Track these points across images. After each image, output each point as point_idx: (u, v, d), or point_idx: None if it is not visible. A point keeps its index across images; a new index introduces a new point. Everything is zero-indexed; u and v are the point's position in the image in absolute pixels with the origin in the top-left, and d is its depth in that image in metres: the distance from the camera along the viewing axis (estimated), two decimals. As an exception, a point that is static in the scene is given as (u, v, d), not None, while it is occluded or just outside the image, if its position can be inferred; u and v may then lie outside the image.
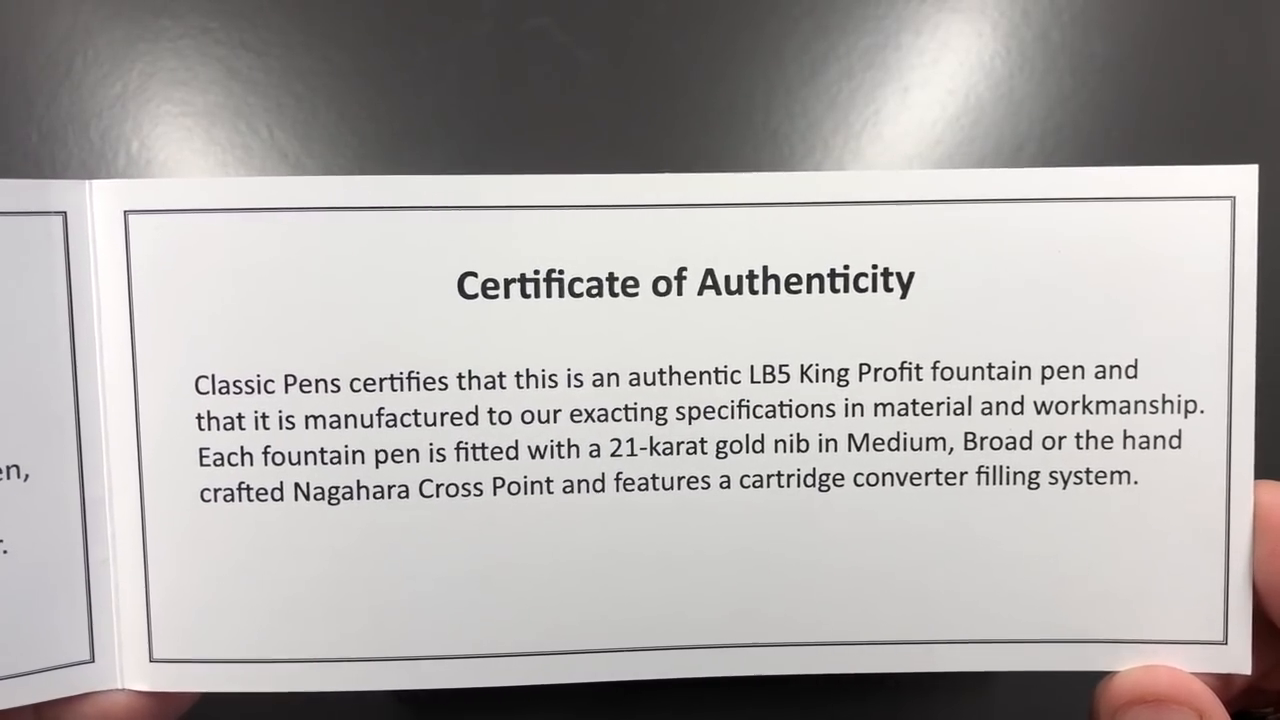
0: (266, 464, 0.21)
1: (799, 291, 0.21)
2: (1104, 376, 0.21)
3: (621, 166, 0.33)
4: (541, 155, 0.32)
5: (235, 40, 0.31)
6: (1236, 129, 0.32)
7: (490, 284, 0.20)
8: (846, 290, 0.21)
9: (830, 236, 0.20)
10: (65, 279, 0.20)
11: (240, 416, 0.20)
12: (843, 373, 0.21)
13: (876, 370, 0.21)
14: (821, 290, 0.21)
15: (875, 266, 0.20)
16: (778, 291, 0.21)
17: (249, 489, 0.21)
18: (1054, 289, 0.21)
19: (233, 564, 0.21)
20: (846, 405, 0.21)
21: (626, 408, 0.21)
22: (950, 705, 0.33)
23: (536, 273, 0.20)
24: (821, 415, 0.21)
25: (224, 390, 0.20)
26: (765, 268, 0.20)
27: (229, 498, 0.21)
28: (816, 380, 0.21)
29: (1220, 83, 0.32)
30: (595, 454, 0.21)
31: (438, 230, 0.20)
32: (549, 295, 0.20)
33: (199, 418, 0.20)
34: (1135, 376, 0.21)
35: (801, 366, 0.21)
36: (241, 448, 0.20)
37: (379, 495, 0.21)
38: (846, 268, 0.20)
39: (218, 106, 0.31)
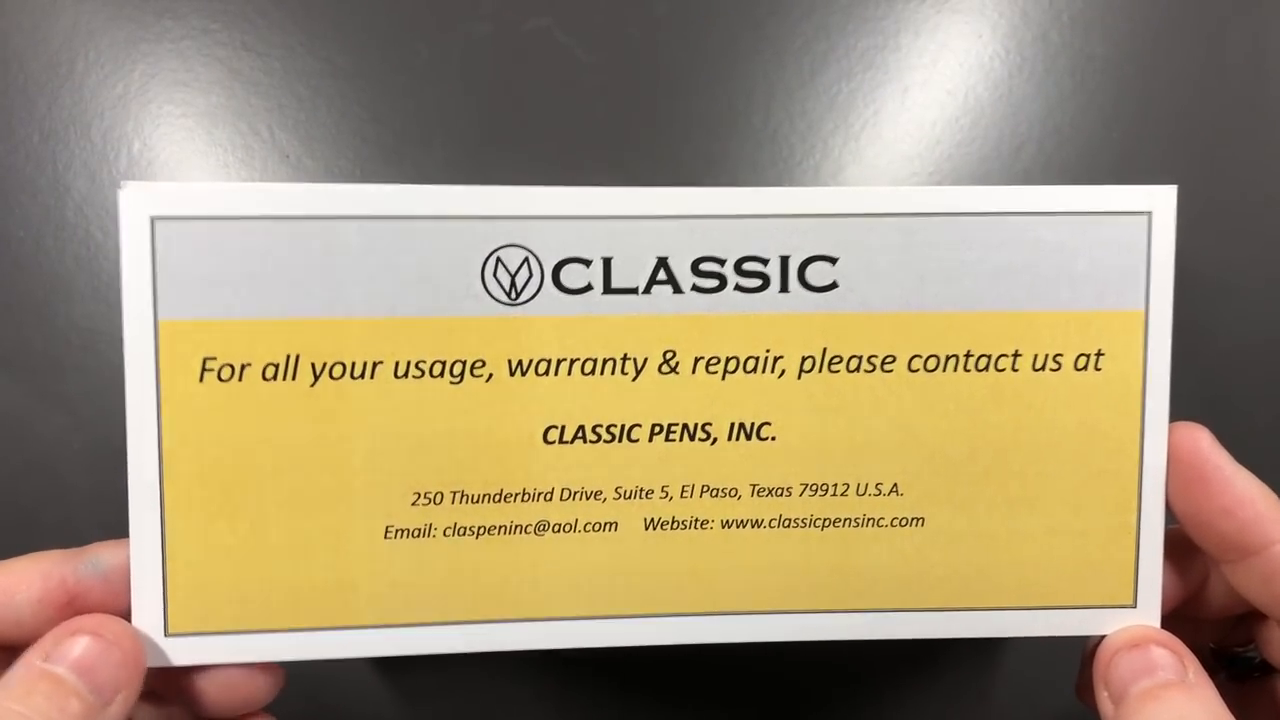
0: None
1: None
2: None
3: (623, 167, 0.33)
4: (542, 156, 0.32)
5: (237, 41, 0.32)
6: (1236, 129, 0.32)
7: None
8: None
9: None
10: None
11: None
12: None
13: None
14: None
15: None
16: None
17: None
18: None
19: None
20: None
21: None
22: (951, 706, 0.33)
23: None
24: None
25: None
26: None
27: None
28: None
29: (1219, 83, 0.32)
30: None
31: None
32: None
33: None
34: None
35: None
36: None
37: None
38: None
39: (219, 108, 0.31)
